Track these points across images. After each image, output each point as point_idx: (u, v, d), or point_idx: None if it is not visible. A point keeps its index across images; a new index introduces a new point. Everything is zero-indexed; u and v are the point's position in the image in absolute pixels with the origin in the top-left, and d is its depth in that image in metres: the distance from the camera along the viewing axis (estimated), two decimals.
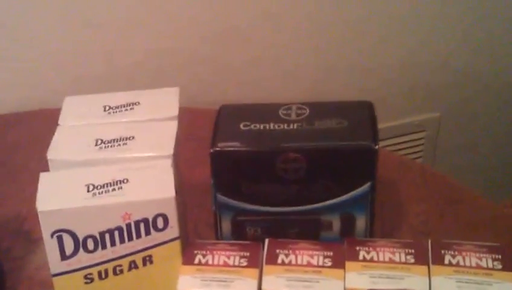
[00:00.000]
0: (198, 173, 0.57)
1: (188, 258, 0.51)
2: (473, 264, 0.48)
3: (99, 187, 0.48)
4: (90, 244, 0.48)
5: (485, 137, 1.13)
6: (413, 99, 1.05)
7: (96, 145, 0.53)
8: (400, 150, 1.07)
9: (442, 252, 0.49)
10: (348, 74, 0.99)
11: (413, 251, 0.50)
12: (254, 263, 0.50)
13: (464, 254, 0.49)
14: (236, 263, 0.50)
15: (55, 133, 0.54)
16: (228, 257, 0.51)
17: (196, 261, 0.51)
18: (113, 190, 0.48)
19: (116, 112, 0.56)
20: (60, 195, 0.48)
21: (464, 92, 1.07)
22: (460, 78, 1.05)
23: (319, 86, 0.98)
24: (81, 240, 0.48)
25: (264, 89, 0.95)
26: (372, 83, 1.00)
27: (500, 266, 0.48)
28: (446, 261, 0.49)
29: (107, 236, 0.48)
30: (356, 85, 0.99)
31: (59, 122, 0.56)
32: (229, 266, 0.50)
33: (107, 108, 0.56)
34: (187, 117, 0.61)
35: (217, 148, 0.53)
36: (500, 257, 0.49)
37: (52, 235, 0.47)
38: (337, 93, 0.97)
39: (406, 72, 1.02)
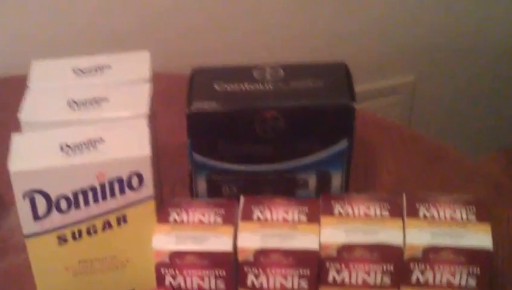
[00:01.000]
0: (176, 136, 0.56)
1: (162, 217, 0.50)
2: (447, 217, 0.49)
3: (73, 147, 0.47)
4: (64, 205, 0.47)
5: (461, 99, 1.14)
6: (387, 62, 1.05)
7: (69, 106, 0.52)
8: (375, 112, 1.08)
9: (417, 205, 0.50)
10: (322, 37, 0.98)
11: (388, 204, 0.50)
12: (229, 220, 0.50)
13: (438, 206, 0.49)
14: (212, 221, 0.50)
15: (26, 95, 0.53)
16: (203, 215, 0.50)
17: (171, 219, 0.50)
18: (87, 149, 0.47)
19: (86, 74, 0.55)
20: (33, 155, 0.47)
21: (438, 55, 1.07)
22: (434, 40, 1.05)
23: (292, 50, 0.97)
24: (53, 200, 0.47)
25: (238, 52, 0.94)
26: (347, 46, 1.00)
27: (473, 218, 0.49)
28: (420, 214, 0.49)
29: (80, 196, 0.47)
30: (331, 49, 0.99)
31: (28, 85, 0.55)
32: (204, 223, 0.50)
33: (77, 71, 0.55)
34: (164, 81, 0.60)
35: (194, 109, 0.53)
36: (474, 209, 0.49)
37: (24, 196, 0.47)
38: (311, 58, 0.96)
39: (381, 35, 1.02)
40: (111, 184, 0.48)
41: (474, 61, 1.11)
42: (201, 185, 0.56)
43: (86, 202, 0.48)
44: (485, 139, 1.17)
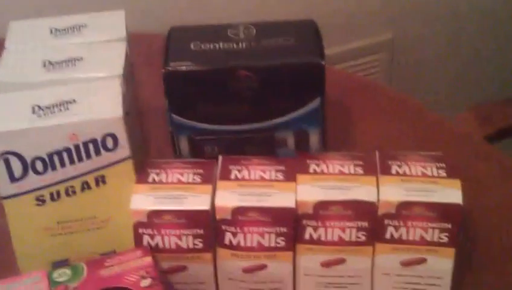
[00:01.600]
0: (161, 96, 0.56)
1: (141, 177, 0.51)
2: (419, 173, 0.49)
3: (45, 108, 0.47)
4: (39, 166, 0.47)
5: (439, 55, 1.14)
6: (365, 22, 1.04)
7: (44, 66, 0.52)
8: (356, 72, 1.08)
9: (390, 162, 0.50)
10: None
11: (362, 162, 0.51)
12: (207, 179, 0.50)
13: (409, 163, 0.50)
14: (190, 180, 0.50)
15: (2, 56, 0.53)
16: (182, 175, 0.51)
17: (150, 179, 0.51)
18: (60, 110, 0.47)
19: (63, 34, 0.55)
20: (5, 117, 0.47)
21: (415, 13, 1.07)
22: None
23: (267, 8, 0.96)
24: (29, 162, 0.47)
25: (215, 12, 0.93)
26: (324, 5, 0.99)
27: (444, 174, 0.49)
28: (393, 171, 0.50)
29: (55, 157, 0.47)
30: (307, 8, 0.98)
31: (5, 45, 0.54)
32: (182, 183, 0.50)
33: (54, 31, 0.55)
34: (147, 41, 0.60)
35: (169, 68, 0.53)
36: (444, 165, 0.50)
37: None
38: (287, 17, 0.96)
39: None
40: (85, 146, 0.48)
41: (452, 17, 1.10)
42: (183, 145, 0.56)
43: (62, 164, 0.48)
44: (463, 95, 1.17)
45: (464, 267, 0.52)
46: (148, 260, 0.47)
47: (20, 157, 0.47)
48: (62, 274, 0.46)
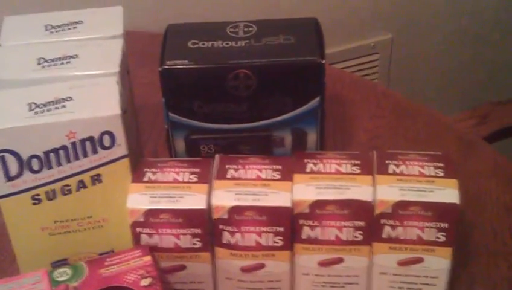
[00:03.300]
0: (157, 96, 0.56)
1: (137, 176, 0.51)
2: (416, 173, 0.49)
3: (41, 106, 0.47)
4: (35, 165, 0.47)
5: (438, 56, 1.14)
6: (365, 21, 1.04)
7: (39, 64, 0.51)
8: (355, 72, 1.08)
9: (387, 162, 0.50)
10: None
11: (359, 162, 0.51)
12: (204, 178, 0.50)
13: (407, 163, 0.50)
14: (186, 179, 0.50)
15: None
16: (178, 174, 0.51)
17: (146, 178, 0.50)
18: (56, 108, 0.47)
19: (58, 31, 0.55)
20: (1, 114, 0.47)
21: (415, 13, 1.07)
22: None
23: (268, 7, 0.96)
24: (25, 160, 0.47)
25: (214, 10, 0.93)
26: (323, 5, 0.99)
27: (441, 174, 0.49)
28: (390, 171, 0.49)
29: (52, 156, 0.47)
30: (308, 8, 0.98)
31: (0, 42, 0.54)
32: (178, 182, 0.50)
33: (49, 27, 0.55)
34: (145, 40, 0.59)
35: (166, 66, 0.53)
36: (442, 165, 0.50)
37: None
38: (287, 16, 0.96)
39: None
40: (82, 144, 0.47)
41: (452, 18, 1.11)
42: (179, 144, 0.56)
43: (59, 162, 0.48)
44: (461, 96, 1.18)
45: (458, 264, 0.53)
46: (148, 259, 0.47)
47: (16, 155, 0.46)
48: (62, 273, 0.46)
